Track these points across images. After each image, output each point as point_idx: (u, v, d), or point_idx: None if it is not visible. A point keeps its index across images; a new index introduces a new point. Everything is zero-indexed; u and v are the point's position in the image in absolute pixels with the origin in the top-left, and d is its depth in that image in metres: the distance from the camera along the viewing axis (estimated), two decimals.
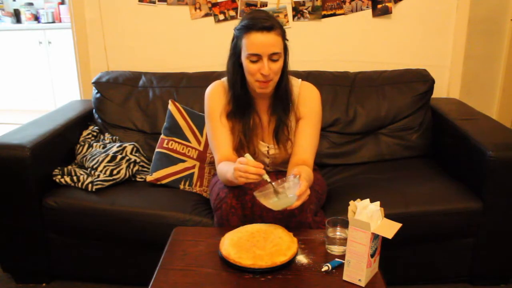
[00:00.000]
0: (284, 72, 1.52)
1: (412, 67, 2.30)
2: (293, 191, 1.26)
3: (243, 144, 1.57)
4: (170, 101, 2.09)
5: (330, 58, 2.43)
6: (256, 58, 1.43)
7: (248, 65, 1.45)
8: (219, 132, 1.56)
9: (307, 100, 1.60)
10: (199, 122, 2.06)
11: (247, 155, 1.32)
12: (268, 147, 1.62)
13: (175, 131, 2.04)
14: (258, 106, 1.60)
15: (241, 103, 1.55)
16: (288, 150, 1.59)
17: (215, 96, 1.59)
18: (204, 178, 1.95)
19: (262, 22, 1.40)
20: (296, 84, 1.61)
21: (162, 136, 2.06)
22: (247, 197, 1.44)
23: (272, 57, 1.43)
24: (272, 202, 1.27)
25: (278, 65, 1.46)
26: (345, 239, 1.14)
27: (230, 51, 1.52)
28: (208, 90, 1.61)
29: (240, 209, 1.43)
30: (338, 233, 1.27)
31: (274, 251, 1.19)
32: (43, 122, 2.02)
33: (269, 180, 1.29)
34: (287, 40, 1.49)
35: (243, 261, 1.16)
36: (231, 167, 1.34)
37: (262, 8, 2.35)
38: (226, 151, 1.54)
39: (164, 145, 2.00)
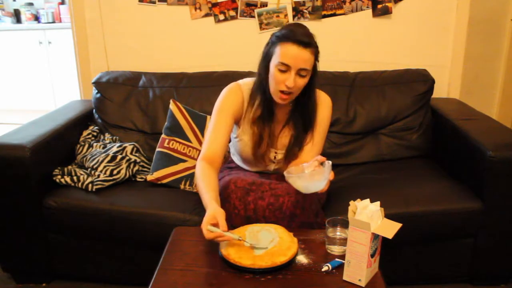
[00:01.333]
0: (311, 91, 1.54)
1: (412, 67, 2.30)
2: (325, 176, 1.29)
3: (255, 149, 1.59)
4: (171, 101, 2.09)
5: (330, 58, 2.42)
6: (285, 68, 1.43)
7: (275, 73, 1.45)
8: (218, 128, 1.54)
9: (320, 109, 1.61)
10: (200, 122, 2.06)
11: (211, 228, 1.20)
12: (276, 152, 1.63)
13: (176, 130, 2.04)
14: (277, 116, 1.61)
15: (268, 108, 1.56)
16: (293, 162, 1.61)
17: (232, 95, 1.58)
18: None
19: (302, 36, 1.42)
20: None
21: (163, 135, 2.06)
22: (249, 198, 1.43)
23: (300, 72, 1.44)
24: (303, 186, 1.30)
25: (303, 81, 1.47)
26: (345, 239, 1.14)
27: (262, 54, 1.52)
28: (227, 88, 1.61)
29: (243, 210, 1.43)
30: (338, 233, 1.27)
31: (274, 251, 1.19)
32: (43, 122, 2.02)
33: (240, 239, 1.21)
34: (318, 61, 1.50)
35: (243, 261, 1.16)
36: (204, 189, 1.36)
37: (267, 9, 2.35)
38: (213, 150, 1.50)
39: (165, 144, 2.00)
